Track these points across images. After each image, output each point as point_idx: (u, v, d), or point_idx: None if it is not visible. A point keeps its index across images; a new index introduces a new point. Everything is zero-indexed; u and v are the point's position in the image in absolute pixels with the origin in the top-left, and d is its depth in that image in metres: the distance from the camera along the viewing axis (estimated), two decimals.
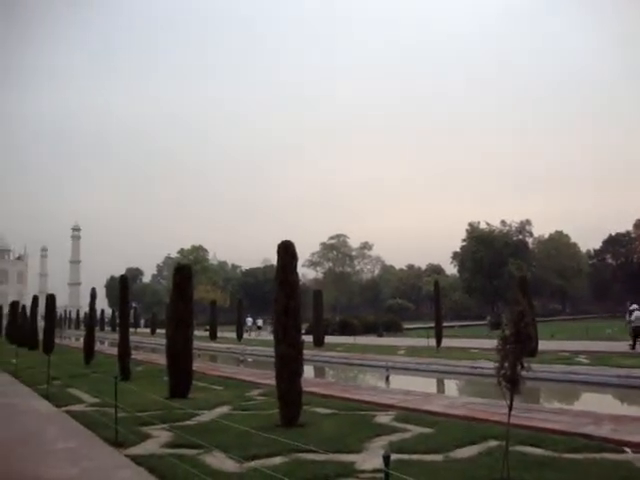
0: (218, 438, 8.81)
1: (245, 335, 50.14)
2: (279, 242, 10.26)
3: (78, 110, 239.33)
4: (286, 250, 10.14)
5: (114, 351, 28.31)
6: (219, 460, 7.84)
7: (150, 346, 41.81)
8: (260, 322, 63.31)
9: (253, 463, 7.52)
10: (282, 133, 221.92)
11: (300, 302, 10.07)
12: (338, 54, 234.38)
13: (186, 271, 14.17)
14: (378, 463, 7.38)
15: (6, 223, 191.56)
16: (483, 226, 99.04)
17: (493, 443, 8.34)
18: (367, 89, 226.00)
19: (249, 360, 29.14)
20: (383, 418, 10.74)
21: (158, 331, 63.02)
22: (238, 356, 30.90)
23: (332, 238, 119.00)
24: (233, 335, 48.74)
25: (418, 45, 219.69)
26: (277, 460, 7.73)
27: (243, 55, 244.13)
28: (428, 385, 19.45)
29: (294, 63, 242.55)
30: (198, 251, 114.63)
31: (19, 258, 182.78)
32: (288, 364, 9.83)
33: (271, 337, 35.93)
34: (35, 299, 36.46)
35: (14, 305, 44.12)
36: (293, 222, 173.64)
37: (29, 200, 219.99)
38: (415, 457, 7.65)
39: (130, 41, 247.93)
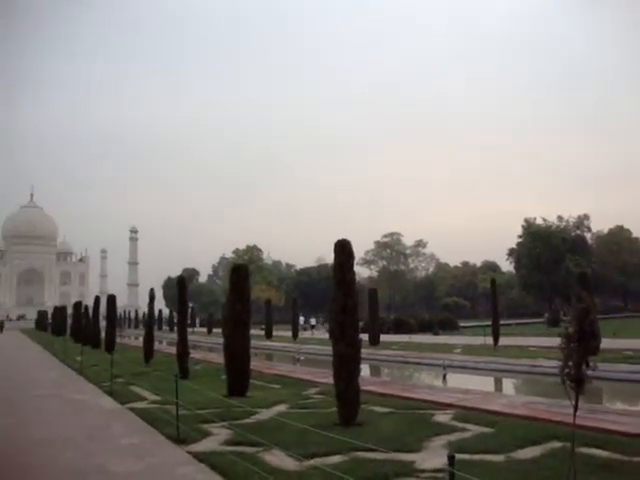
0: (277, 436, 8.87)
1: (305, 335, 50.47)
2: (335, 241, 10.25)
3: (133, 116, 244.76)
4: (342, 249, 10.13)
5: (172, 350, 28.88)
6: (278, 458, 7.90)
7: (207, 345, 42.44)
8: (313, 321, 63.54)
9: (312, 461, 7.55)
10: (333, 132, 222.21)
11: (357, 301, 10.06)
12: (385, 54, 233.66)
13: (243, 271, 14.29)
14: (438, 462, 7.34)
15: (68, 227, 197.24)
16: (539, 222, 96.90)
17: (556, 444, 8.15)
18: (416, 89, 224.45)
19: (304, 359, 29.26)
20: (442, 417, 10.64)
21: (214, 330, 63.91)
22: (294, 355, 31.08)
23: (386, 236, 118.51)
24: (288, 334, 49.04)
25: (478, 43, 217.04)
26: (336, 459, 7.74)
27: (289, 55, 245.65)
28: (486, 384, 19.17)
29: (339, 63, 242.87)
30: (253, 251, 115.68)
31: (81, 260, 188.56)
32: (346, 363, 9.83)
33: (325, 336, 36.28)
34: (97, 299, 37.45)
35: (77, 305, 45.37)
36: (346, 221, 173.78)
37: (89, 205, 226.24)
38: (476, 457, 7.55)
39: (179, 47, 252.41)
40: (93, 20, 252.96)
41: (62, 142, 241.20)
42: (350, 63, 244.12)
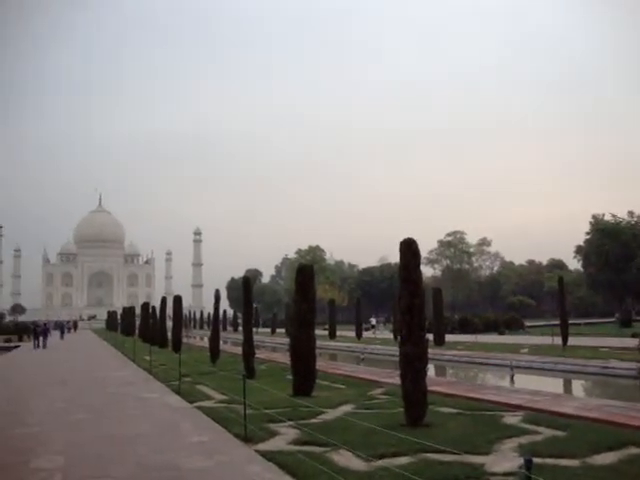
0: (344, 436, 8.84)
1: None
2: (400, 240, 10.17)
3: (196, 119, 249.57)
4: (408, 248, 10.03)
5: (237, 350, 29.26)
6: (346, 458, 7.88)
7: (271, 345, 42.88)
8: (373, 321, 63.27)
9: (380, 462, 7.51)
10: (396, 132, 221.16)
11: (424, 300, 9.94)
12: (444, 55, 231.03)
13: (308, 271, 14.31)
14: (509, 466, 7.19)
15: (135, 231, 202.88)
16: (608, 218, 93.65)
17: (634, 450, 7.85)
18: (472, 89, 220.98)
19: (368, 359, 29.16)
20: (511, 419, 10.41)
21: (278, 330, 64.44)
22: (358, 355, 31.02)
23: (449, 235, 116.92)
24: (350, 334, 49.02)
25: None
26: (404, 460, 7.67)
27: (352, 56, 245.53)
28: (555, 385, 18.70)
29: (396, 63, 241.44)
30: (315, 251, 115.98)
31: (147, 262, 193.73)
32: (413, 363, 9.73)
33: (387, 335, 36.06)
34: (164, 300, 38.30)
35: (145, 306, 46.51)
36: (409, 220, 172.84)
37: (154, 208, 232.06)
38: (549, 461, 7.32)
39: (244, 50, 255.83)
40: (160, 26, 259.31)
41: (128, 148, 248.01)
42: (403, 62, 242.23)
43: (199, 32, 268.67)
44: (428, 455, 7.79)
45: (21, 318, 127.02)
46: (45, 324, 56.05)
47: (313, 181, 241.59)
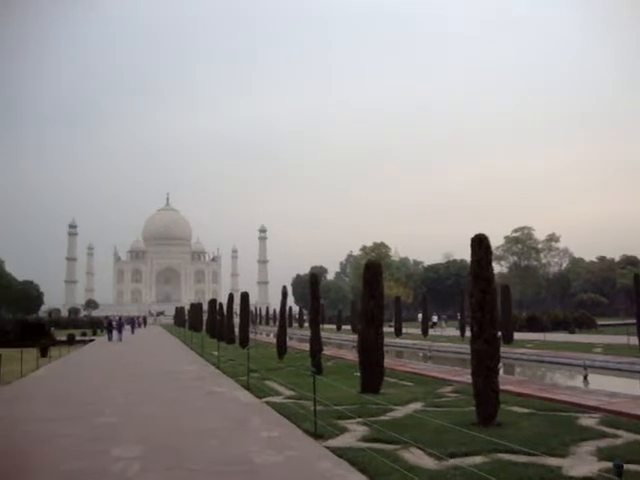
0: (414, 434, 8.76)
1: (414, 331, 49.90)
2: (471, 236, 9.99)
3: (262, 118, 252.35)
4: (480, 244, 9.83)
5: (303, 347, 29.43)
6: (417, 456, 7.79)
7: (336, 342, 42.89)
8: (435, 318, 62.59)
9: (452, 461, 7.38)
10: (460, 129, 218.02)
11: (496, 297, 9.73)
12: (505, 53, 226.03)
13: (376, 267, 14.19)
14: (588, 470, 6.94)
15: (201, 228, 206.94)
16: None
17: None
18: (539, 85, 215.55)
19: (435, 356, 28.84)
20: (587, 421, 10.05)
21: (343, 327, 64.44)
22: (425, 352, 30.71)
23: (516, 231, 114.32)
24: (414, 331, 48.61)
25: None
26: (477, 459, 7.52)
27: (415, 55, 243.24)
28: (633, 387, 17.97)
29: (457, 63, 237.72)
30: (380, 248, 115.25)
31: (213, 260, 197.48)
32: (484, 361, 9.54)
33: (451, 333, 35.59)
34: (230, 297, 38.86)
35: (212, 303, 47.30)
36: (474, 216, 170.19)
37: (220, 207, 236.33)
38: (632, 467, 6.95)
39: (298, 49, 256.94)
40: (225, 25, 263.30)
41: (195, 147, 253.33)
42: (469, 61, 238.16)
43: (263, 31, 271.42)
44: (501, 455, 7.63)
45: (94, 313, 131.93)
46: (120, 318, 58.45)
47: (378, 179, 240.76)
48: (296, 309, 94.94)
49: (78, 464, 7.89)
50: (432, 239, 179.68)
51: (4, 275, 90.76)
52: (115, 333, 47.70)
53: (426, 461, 7.57)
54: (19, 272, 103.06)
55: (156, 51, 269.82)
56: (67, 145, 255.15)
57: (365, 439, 8.93)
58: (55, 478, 7.32)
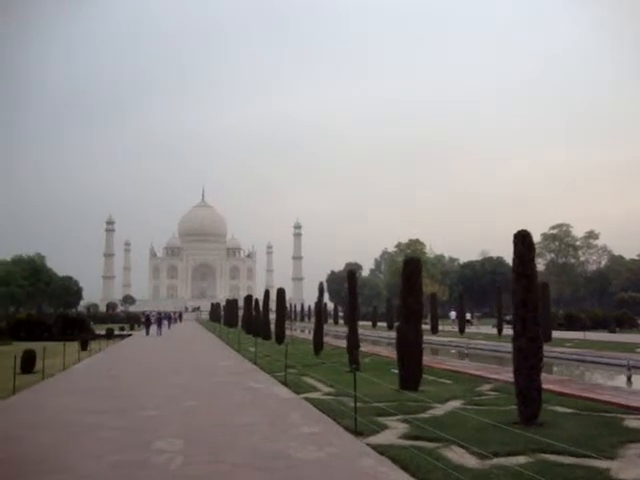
0: (455, 432, 8.65)
1: (445, 328, 49.62)
2: (515, 232, 9.84)
3: (295, 114, 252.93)
4: (523, 240, 9.69)
5: (338, 343, 29.48)
6: (458, 455, 7.72)
7: (372, 338, 42.82)
8: (468, 316, 62.12)
9: (495, 460, 7.30)
10: (481, 128, 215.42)
11: (539, 295, 9.58)
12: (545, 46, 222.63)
13: (415, 264, 14.10)
14: (638, 474, 6.77)
15: (236, 225, 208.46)
16: None
17: None
18: (578, 78, 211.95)
19: (472, 354, 28.57)
20: (634, 422, 9.81)
21: (378, 324, 64.25)
22: (461, 350, 30.46)
23: (553, 228, 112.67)
24: (447, 328, 48.26)
25: None
26: (521, 459, 7.41)
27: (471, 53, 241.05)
28: None
29: (504, 54, 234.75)
30: (415, 244, 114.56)
31: (248, 256, 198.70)
32: (527, 359, 9.41)
33: (484, 330, 35.20)
34: (267, 293, 39.05)
35: (248, 299, 47.54)
36: (510, 213, 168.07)
37: (255, 203, 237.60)
38: None
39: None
40: (263, 17, 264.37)
41: (230, 144, 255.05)
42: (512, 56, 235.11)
43: (311, 23, 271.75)
44: (546, 456, 7.52)
45: (131, 308, 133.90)
46: (160, 314, 59.63)
47: (412, 176, 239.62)
48: (331, 306, 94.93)
49: (122, 456, 8.01)
50: (469, 237, 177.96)
51: (45, 271, 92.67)
52: (154, 327, 48.63)
53: (468, 460, 7.49)
54: (59, 268, 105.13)
55: (183, 49, 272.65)
56: (105, 144, 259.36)
57: (406, 436, 8.87)
58: (101, 468, 7.43)
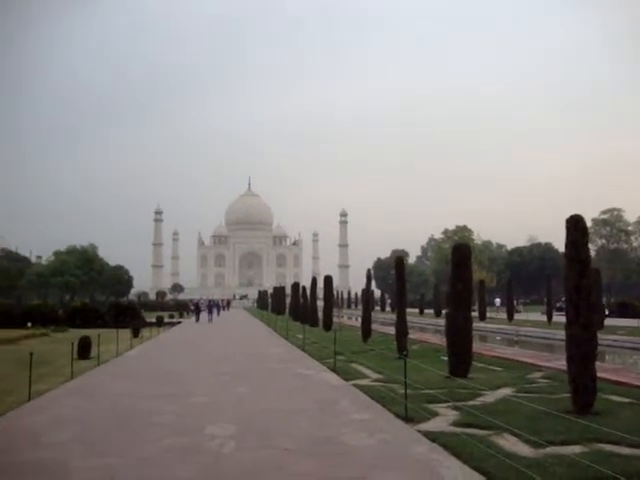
0: (507, 420, 8.53)
1: (491, 315, 49.08)
2: (567, 217, 9.63)
3: (341, 102, 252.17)
4: (576, 225, 9.48)
5: (385, 330, 29.44)
6: (511, 443, 7.64)
7: (419, 325, 42.66)
8: (498, 302, 61.47)
9: (549, 449, 7.18)
10: (528, 114, 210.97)
11: (592, 281, 9.39)
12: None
13: (464, 250, 13.99)
14: None
15: (282, 213, 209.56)
16: None
17: None
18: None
19: (521, 341, 28.22)
20: None
21: (425, 311, 63.97)
22: (511, 337, 30.12)
23: (604, 213, 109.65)
24: (493, 315, 47.71)
25: None
26: (576, 449, 7.26)
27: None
28: None
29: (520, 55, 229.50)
30: (463, 231, 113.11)
31: (294, 244, 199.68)
32: (581, 346, 9.23)
33: (531, 317, 34.74)
34: (314, 280, 39.28)
35: (295, 286, 47.85)
36: (558, 198, 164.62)
37: (301, 191, 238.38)
38: None
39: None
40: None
41: (276, 132, 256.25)
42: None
43: (353, 16, 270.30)
44: (602, 445, 7.37)
45: (180, 296, 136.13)
46: (210, 301, 61.03)
47: (460, 162, 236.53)
48: (377, 293, 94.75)
49: (177, 440, 8.16)
50: (517, 222, 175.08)
51: (97, 260, 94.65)
52: (205, 314, 49.54)
53: (521, 448, 7.41)
54: (111, 257, 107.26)
55: (226, 43, 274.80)
56: (154, 135, 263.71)
57: (457, 424, 8.84)
58: (158, 451, 7.59)
